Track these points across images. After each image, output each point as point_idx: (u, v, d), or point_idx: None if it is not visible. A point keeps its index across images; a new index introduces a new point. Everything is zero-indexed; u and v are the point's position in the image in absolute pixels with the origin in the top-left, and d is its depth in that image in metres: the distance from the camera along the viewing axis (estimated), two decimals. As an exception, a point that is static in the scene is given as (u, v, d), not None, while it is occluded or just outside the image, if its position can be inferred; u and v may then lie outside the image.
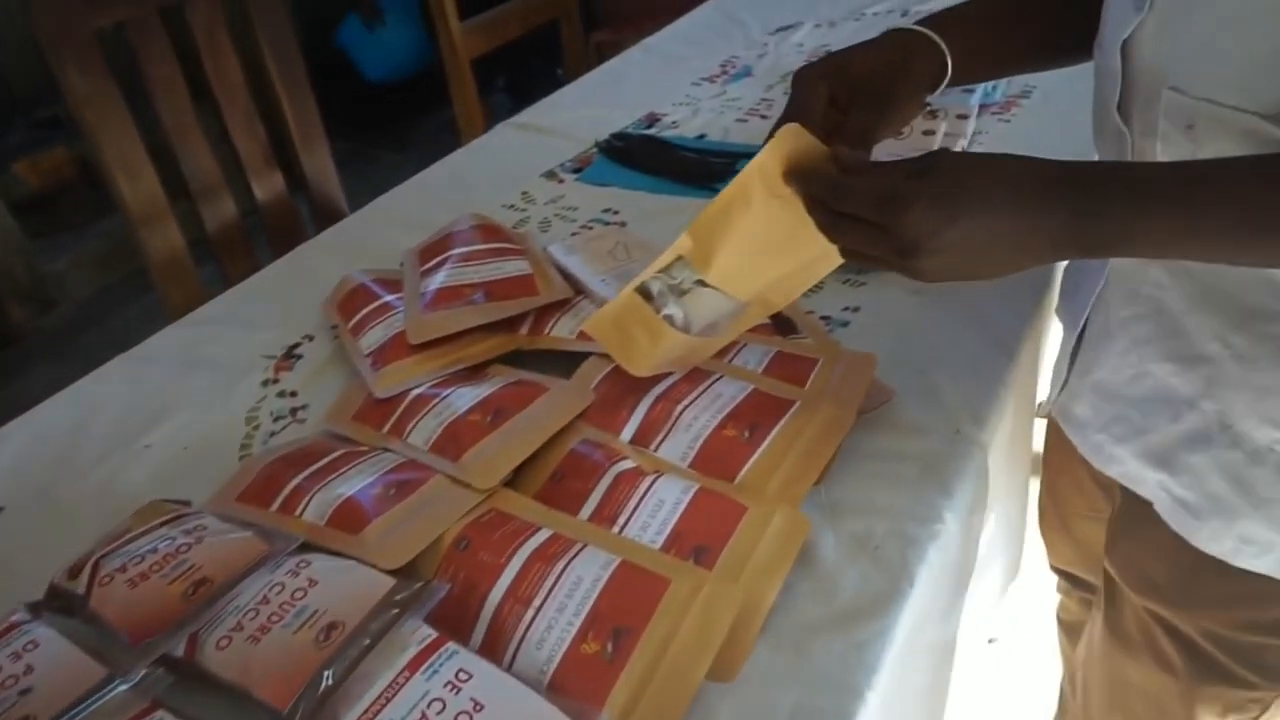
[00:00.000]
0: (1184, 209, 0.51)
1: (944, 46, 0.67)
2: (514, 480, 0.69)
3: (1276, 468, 0.60)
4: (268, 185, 1.33)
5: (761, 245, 0.60)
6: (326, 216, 1.34)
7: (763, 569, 0.60)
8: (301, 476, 0.69)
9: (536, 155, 1.23)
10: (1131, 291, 0.64)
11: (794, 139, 0.58)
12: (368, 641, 0.55)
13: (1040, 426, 0.91)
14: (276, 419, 0.82)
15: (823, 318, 0.86)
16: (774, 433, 0.68)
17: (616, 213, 1.08)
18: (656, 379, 0.74)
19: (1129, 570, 0.72)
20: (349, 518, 0.64)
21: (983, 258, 0.54)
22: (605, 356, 0.78)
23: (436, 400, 0.74)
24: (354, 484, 0.67)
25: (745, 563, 0.60)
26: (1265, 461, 0.60)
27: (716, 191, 1.12)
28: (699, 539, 0.61)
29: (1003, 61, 0.74)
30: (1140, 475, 0.67)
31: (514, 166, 1.20)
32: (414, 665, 0.54)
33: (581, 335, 0.80)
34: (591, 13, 2.67)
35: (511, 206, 1.12)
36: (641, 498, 0.64)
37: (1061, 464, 0.86)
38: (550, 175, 1.18)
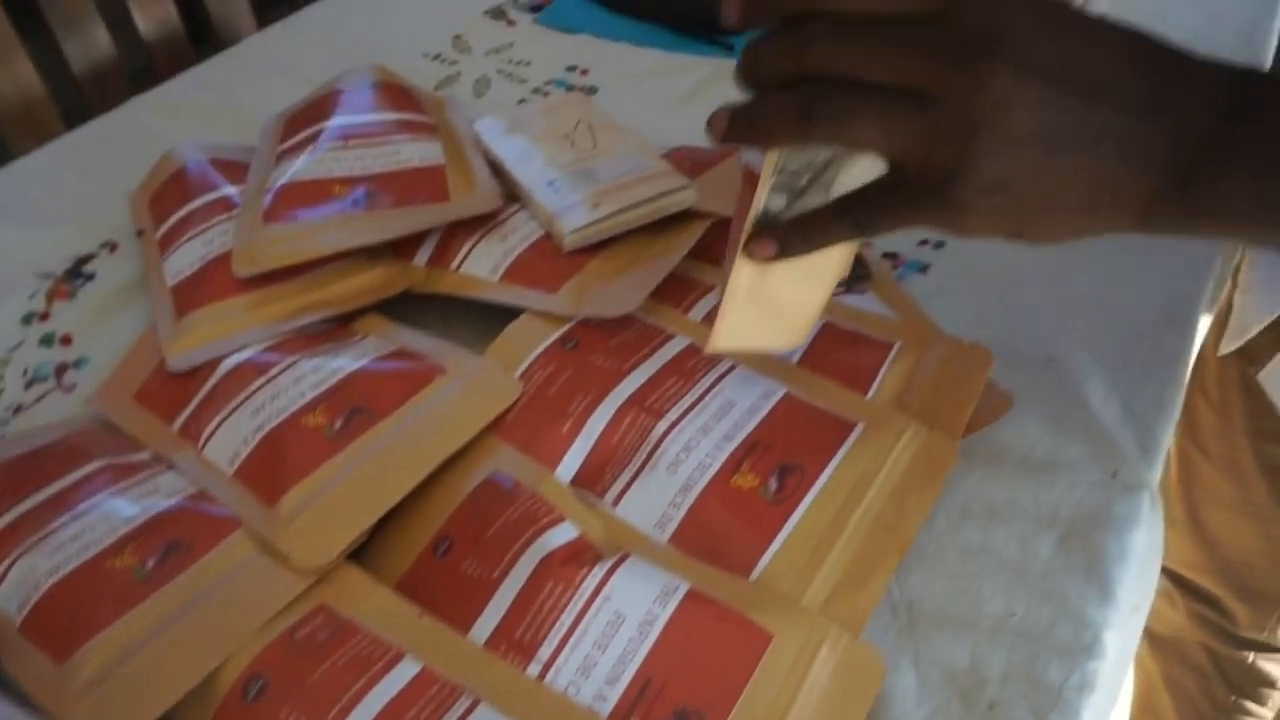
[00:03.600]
0: None
1: None
2: (369, 547, 0.40)
3: None
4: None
5: None
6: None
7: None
8: (6, 519, 0.41)
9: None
10: None
11: None
12: None
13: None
14: (31, 383, 0.53)
15: (888, 255, 0.56)
16: (820, 482, 0.39)
17: (585, 72, 0.76)
18: (626, 359, 0.44)
19: None
20: (54, 625, 0.36)
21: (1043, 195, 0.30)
22: (544, 317, 0.48)
23: (263, 380, 0.45)
24: (88, 543, 0.38)
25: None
26: None
27: (728, 48, 0.83)
28: (682, 698, 0.33)
29: None
30: None
31: (443, 1, 0.87)
32: None
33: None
34: None
35: (438, 57, 0.79)
36: (583, 609, 0.35)
37: (1211, 434, 0.61)
38: (497, 14, 0.84)
